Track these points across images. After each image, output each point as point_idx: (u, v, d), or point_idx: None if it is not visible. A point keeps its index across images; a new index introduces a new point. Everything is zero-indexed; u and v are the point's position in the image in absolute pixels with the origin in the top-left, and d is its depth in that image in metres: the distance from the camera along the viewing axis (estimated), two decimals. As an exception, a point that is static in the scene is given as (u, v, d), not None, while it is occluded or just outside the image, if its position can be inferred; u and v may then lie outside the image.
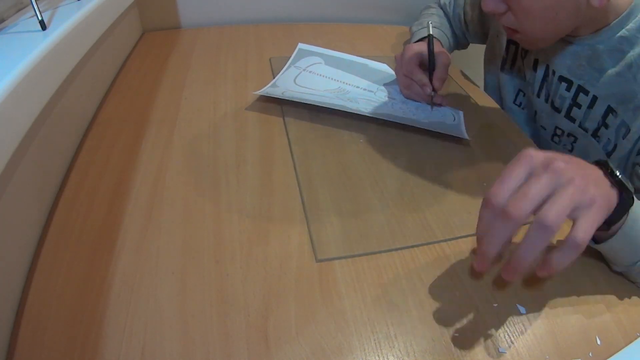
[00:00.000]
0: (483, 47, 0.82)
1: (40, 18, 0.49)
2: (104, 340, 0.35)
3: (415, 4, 0.95)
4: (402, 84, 0.71)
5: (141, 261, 0.42)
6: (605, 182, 0.36)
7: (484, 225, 0.35)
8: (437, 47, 0.69)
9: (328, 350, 0.36)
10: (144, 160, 0.55)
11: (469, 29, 0.82)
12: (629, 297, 0.42)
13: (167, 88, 0.71)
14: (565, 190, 0.33)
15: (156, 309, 0.38)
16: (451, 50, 0.83)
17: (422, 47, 0.69)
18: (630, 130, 0.52)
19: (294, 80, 0.73)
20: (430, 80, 0.66)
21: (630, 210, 0.37)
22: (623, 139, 0.54)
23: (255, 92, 0.67)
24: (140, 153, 0.56)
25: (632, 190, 0.36)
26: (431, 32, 0.69)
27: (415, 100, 0.70)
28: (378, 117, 0.63)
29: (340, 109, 0.63)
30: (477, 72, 0.85)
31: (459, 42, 0.86)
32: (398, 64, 0.71)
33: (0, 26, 0.51)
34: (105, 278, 0.40)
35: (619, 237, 0.38)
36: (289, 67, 0.77)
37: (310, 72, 0.76)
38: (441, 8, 0.86)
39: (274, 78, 0.73)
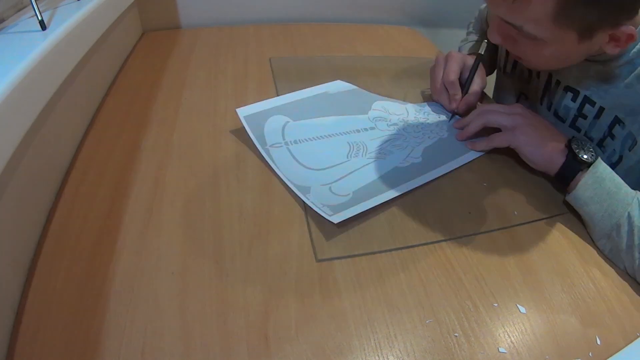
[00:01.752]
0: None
1: (40, 18, 0.49)
2: (104, 340, 0.35)
3: (416, 4, 0.95)
4: (435, 88, 0.69)
5: (141, 261, 0.42)
6: (555, 142, 0.52)
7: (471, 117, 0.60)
8: (479, 71, 0.67)
9: (328, 350, 0.36)
10: (144, 160, 0.55)
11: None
12: (629, 297, 0.42)
13: (167, 88, 0.71)
14: (507, 117, 0.55)
15: (156, 309, 0.38)
16: (490, 68, 0.80)
17: (468, 61, 0.68)
18: (637, 142, 0.52)
19: (298, 162, 0.54)
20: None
21: (591, 171, 0.48)
22: (629, 150, 0.53)
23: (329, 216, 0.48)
24: (140, 153, 0.56)
25: (587, 158, 0.48)
26: (482, 52, 0.67)
27: (438, 103, 0.69)
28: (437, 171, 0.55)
29: (410, 186, 0.52)
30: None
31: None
32: (438, 66, 0.69)
33: (0, 26, 0.51)
34: (105, 278, 0.40)
35: (578, 190, 0.48)
36: (264, 149, 0.56)
37: (297, 143, 0.57)
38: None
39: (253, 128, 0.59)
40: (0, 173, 0.36)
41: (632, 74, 0.51)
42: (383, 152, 0.57)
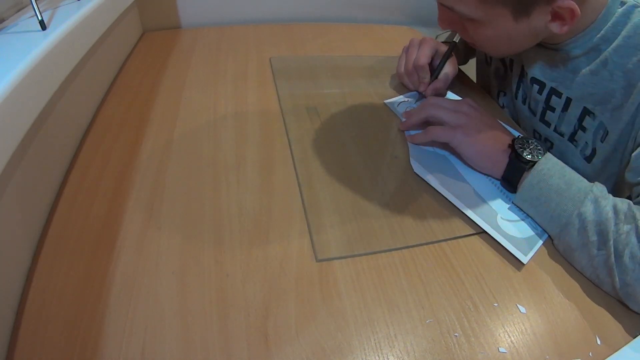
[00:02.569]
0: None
1: (40, 18, 0.49)
2: (104, 340, 0.35)
3: (415, 4, 0.95)
4: (404, 68, 0.70)
5: (141, 261, 0.42)
6: (498, 142, 0.51)
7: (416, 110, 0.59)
8: (451, 59, 0.68)
9: (328, 350, 0.36)
10: (144, 160, 0.55)
11: None
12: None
13: (167, 88, 0.71)
14: (450, 113, 0.54)
15: (156, 309, 0.38)
16: (463, 57, 0.82)
17: (441, 48, 0.68)
18: (608, 132, 0.50)
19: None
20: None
21: (536, 168, 0.46)
22: (602, 142, 0.51)
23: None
24: (140, 153, 0.56)
25: (532, 157, 0.46)
26: (456, 41, 0.68)
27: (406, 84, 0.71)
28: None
29: None
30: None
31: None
32: (412, 47, 0.69)
33: (0, 26, 0.51)
34: (105, 278, 0.40)
35: (522, 191, 0.47)
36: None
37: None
38: None
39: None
40: (1, 173, 0.36)
41: (597, 60, 0.49)
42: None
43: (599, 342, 0.38)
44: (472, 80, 0.82)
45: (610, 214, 0.40)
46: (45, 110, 0.46)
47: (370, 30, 1.01)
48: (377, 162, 0.56)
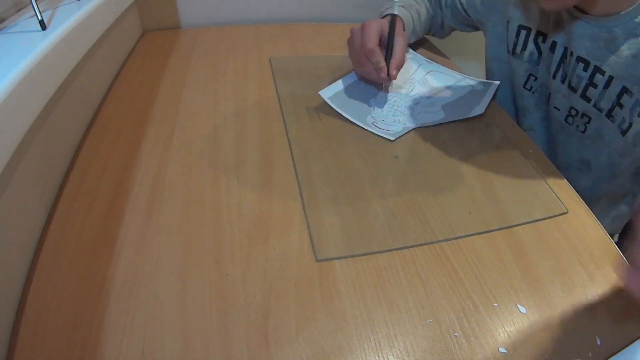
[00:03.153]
0: (473, 43, 0.81)
1: (40, 18, 0.49)
2: (104, 340, 0.35)
3: (415, 4, 0.95)
4: (356, 61, 0.68)
5: (141, 261, 0.42)
6: None
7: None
8: (397, 28, 0.67)
9: (328, 350, 0.36)
10: (144, 160, 0.55)
11: (468, 14, 0.81)
12: (629, 297, 0.42)
13: (167, 88, 0.71)
14: None
15: (156, 309, 0.38)
16: (421, 31, 0.82)
17: (384, 24, 0.66)
18: None
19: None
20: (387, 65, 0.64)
21: None
22: (638, 117, 0.55)
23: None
24: (140, 153, 0.56)
25: None
26: (396, 12, 0.67)
27: (366, 78, 0.70)
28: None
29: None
30: (474, 67, 0.85)
31: (438, 27, 0.86)
32: (355, 38, 0.67)
33: (0, 26, 0.51)
34: (105, 278, 0.40)
35: None
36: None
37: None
38: None
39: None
40: (1, 173, 0.36)
41: (637, 45, 0.53)
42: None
43: (599, 342, 0.38)
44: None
45: None
46: (45, 110, 0.46)
47: (370, 30, 1.01)
48: (377, 162, 0.57)
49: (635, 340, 0.38)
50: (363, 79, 0.71)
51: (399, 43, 0.65)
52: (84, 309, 0.38)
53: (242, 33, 0.94)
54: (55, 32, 0.50)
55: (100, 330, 0.36)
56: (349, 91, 0.69)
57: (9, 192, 0.40)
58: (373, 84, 0.70)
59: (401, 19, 0.74)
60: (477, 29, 0.84)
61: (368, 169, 0.55)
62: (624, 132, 0.58)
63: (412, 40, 0.84)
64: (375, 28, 0.65)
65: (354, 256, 0.44)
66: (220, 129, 0.62)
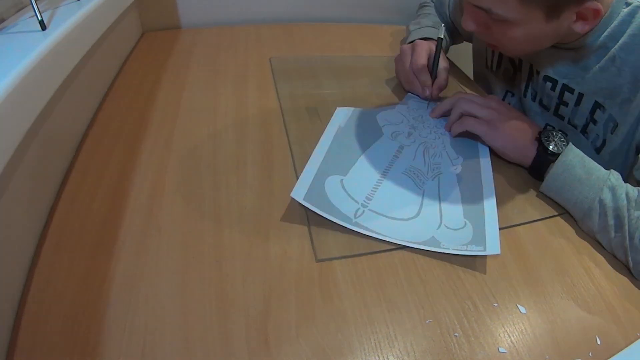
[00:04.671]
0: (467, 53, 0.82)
1: (40, 18, 0.49)
2: (104, 340, 0.35)
3: (416, 5, 0.95)
4: (405, 76, 0.70)
5: (141, 261, 0.42)
6: (527, 136, 0.54)
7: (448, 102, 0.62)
8: (441, 53, 0.69)
9: (328, 350, 0.36)
10: (144, 160, 0.55)
11: (457, 28, 0.83)
12: (629, 297, 0.42)
13: (167, 88, 0.71)
14: (482, 108, 0.56)
15: (156, 309, 0.38)
16: (447, 47, 0.83)
17: (432, 46, 0.69)
18: (618, 124, 0.54)
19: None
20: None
21: (560, 159, 0.49)
22: (612, 133, 0.55)
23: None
24: (140, 153, 0.56)
25: (553, 148, 0.50)
26: (442, 36, 0.68)
27: (411, 92, 0.71)
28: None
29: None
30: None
31: (454, 38, 0.87)
32: (406, 56, 0.70)
33: (0, 26, 0.51)
34: (105, 278, 0.40)
35: (548, 180, 0.50)
36: (345, 224, 0.47)
37: (368, 202, 0.50)
38: (433, 3, 0.87)
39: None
40: (1, 173, 0.36)
41: (605, 57, 0.53)
42: (433, 166, 0.56)
43: (599, 342, 0.38)
44: (470, 79, 0.82)
45: (625, 201, 0.45)
46: (45, 110, 0.46)
47: (370, 30, 1.01)
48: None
49: (635, 340, 0.38)
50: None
51: (443, 66, 0.68)
52: (84, 309, 0.38)
53: (242, 33, 0.94)
54: (55, 32, 0.50)
55: (100, 330, 0.36)
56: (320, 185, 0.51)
57: (9, 192, 0.40)
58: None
59: (446, 41, 0.76)
60: (466, 39, 0.85)
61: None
62: (598, 150, 0.58)
63: None
64: (426, 49, 0.68)
65: (353, 256, 0.44)
66: (220, 129, 0.62)
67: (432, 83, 0.67)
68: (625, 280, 0.44)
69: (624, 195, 0.45)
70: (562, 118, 0.62)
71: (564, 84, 0.59)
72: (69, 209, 0.48)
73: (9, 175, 0.40)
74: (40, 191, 0.47)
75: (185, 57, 0.82)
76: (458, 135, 0.60)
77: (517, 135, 0.54)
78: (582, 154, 0.50)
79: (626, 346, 0.38)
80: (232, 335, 0.36)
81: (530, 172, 0.54)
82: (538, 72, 0.63)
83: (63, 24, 0.52)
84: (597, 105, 0.56)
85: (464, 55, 0.89)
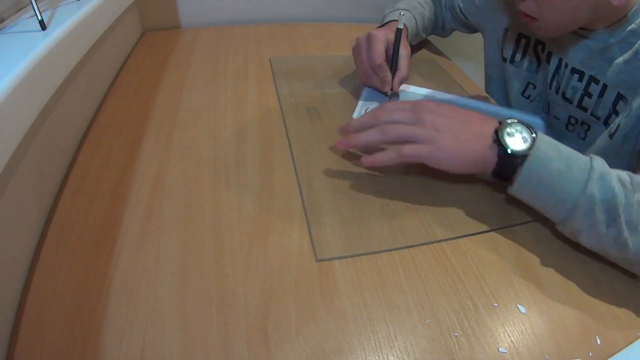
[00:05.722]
0: (474, 44, 0.82)
1: (40, 18, 0.49)
2: (104, 340, 0.35)
3: (415, 4, 0.95)
4: (363, 72, 0.69)
5: (141, 261, 0.42)
6: (481, 140, 0.45)
7: (365, 123, 0.51)
8: (403, 40, 0.68)
9: (328, 350, 0.36)
10: (144, 160, 0.55)
11: (466, 17, 0.82)
12: (629, 297, 0.42)
13: (167, 88, 0.71)
14: (416, 127, 0.47)
15: (156, 309, 0.38)
16: (424, 33, 0.83)
17: (389, 35, 0.67)
18: (632, 108, 0.54)
19: None
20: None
21: (534, 154, 0.42)
22: (625, 118, 0.55)
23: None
24: (140, 153, 0.56)
25: (521, 150, 0.42)
26: (401, 27, 0.67)
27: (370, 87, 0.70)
28: None
29: None
30: (475, 69, 0.85)
31: (440, 28, 0.87)
32: (362, 49, 0.68)
33: (0, 26, 0.51)
34: (105, 278, 0.40)
35: (520, 181, 0.43)
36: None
37: None
38: None
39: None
40: (1, 173, 0.36)
41: (630, 51, 0.54)
42: None
43: (599, 342, 0.38)
44: (473, 82, 0.82)
45: (618, 188, 0.39)
46: (45, 110, 0.46)
47: (370, 30, 1.01)
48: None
49: (635, 340, 0.38)
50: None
51: (404, 57, 0.67)
52: (84, 309, 0.38)
53: (242, 33, 0.94)
54: (55, 32, 0.50)
55: (100, 330, 0.36)
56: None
57: (9, 192, 0.40)
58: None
59: (406, 29, 0.75)
60: (475, 31, 0.85)
61: (368, 168, 0.55)
62: (611, 135, 0.58)
63: (415, 43, 0.84)
64: (382, 41, 0.66)
65: (354, 256, 0.44)
66: (220, 128, 0.62)
67: (393, 76, 0.66)
68: (625, 280, 0.44)
69: (614, 183, 0.39)
70: (586, 110, 0.62)
71: (591, 76, 0.60)
72: (69, 209, 0.48)
73: (9, 175, 0.40)
74: (40, 191, 0.47)
75: (185, 57, 0.82)
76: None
77: (469, 144, 0.45)
78: (555, 141, 0.43)
79: (626, 346, 0.38)
80: (232, 335, 0.36)
81: (494, 177, 0.46)
82: (567, 65, 0.63)
83: (63, 24, 0.52)
84: (619, 97, 0.57)
85: (465, 53, 0.89)
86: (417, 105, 0.49)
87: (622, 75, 0.56)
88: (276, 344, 0.36)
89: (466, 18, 0.82)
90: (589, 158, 0.42)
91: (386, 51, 0.67)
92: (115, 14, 0.73)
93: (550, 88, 0.68)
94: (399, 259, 0.44)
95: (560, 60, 0.65)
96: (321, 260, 0.43)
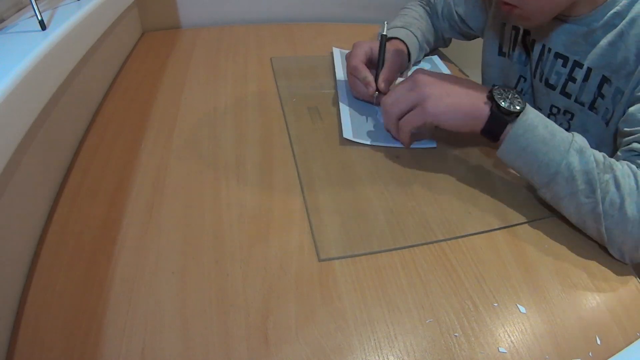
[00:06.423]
0: (477, 46, 0.82)
1: (40, 18, 0.49)
2: (104, 340, 0.35)
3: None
4: (349, 83, 0.69)
5: (141, 261, 0.42)
6: (474, 96, 0.49)
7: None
8: (393, 47, 0.68)
9: (328, 350, 0.36)
10: (144, 160, 0.55)
11: (466, 24, 0.82)
12: (629, 297, 0.42)
13: (167, 88, 0.71)
14: (411, 93, 0.52)
15: (156, 309, 0.38)
16: (427, 46, 0.82)
17: (374, 45, 0.67)
18: (623, 94, 0.54)
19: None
20: (376, 80, 0.64)
21: (522, 119, 0.46)
22: (620, 104, 0.55)
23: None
24: (140, 153, 0.56)
25: (513, 108, 0.46)
26: (384, 33, 0.67)
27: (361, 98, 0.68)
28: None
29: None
30: (474, 70, 0.85)
31: (440, 39, 0.86)
32: (346, 62, 0.68)
33: (0, 26, 0.51)
34: (105, 278, 0.40)
35: (508, 142, 0.47)
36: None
37: None
38: (424, 7, 0.86)
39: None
40: (1, 172, 0.36)
41: (613, 32, 0.54)
42: None
43: (599, 342, 0.38)
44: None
45: (594, 164, 0.43)
46: (45, 110, 0.46)
47: (370, 30, 1.01)
48: (378, 161, 0.57)
49: (635, 340, 0.38)
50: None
51: (392, 58, 0.66)
52: (84, 309, 0.38)
53: (242, 33, 0.94)
54: (55, 32, 0.50)
55: (100, 330, 0.36)
56: (357, 117, 0.65)
57: (10, 192, 0.40)
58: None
59: (402, 40, 0.75)
60: (471, 37, 0.85)
61: (369, 168, 0.55)
62: (607, 122, 0.58)
63: (420, 58, 0.83)
64: (364, 48, 0.66)
65: (354, 256, 0.44)
66: (221, 128, 0.62)
67: (379, 75, 0.64)
68: (625, 280, 0.44)
69: (592, 158, 0.43)
70: (569, 96, 0.62)
71: (575, 60, 0.59)
72: (69, 209, 0.48)
73: (10, 175, 0.40)
74: (41, 191, 0.47)
75: (185, 57, 0.82)
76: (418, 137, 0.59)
77: (463, 100, 0.49)
78: (542, 115, 0.47)
79: (626, 346, 0.38)
80: (232, 335, 0.36)
81: (483, 133, 0.49)
82: (550, 50, 0.63)
83: (63, 24, 0.52)
84: (604, 80, 0.56)
85: (465, 54, 0.89)
86: (412, 79, 0.53)
87: (606, 57, 0.55)
88: (276, 344, 0.36)
89: (466, 24, 0.82)
90: (571, 133, 0.46)
91: (371, 61, 0.66)
92: (115, 14, 0.73)
93: (534, 77, 0.67)
94: (399, 259, 0.44)
95: (544, 46, 0.64)
96: (324, 260, 0.43)
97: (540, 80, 0.66)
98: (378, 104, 0.64)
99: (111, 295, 0.39)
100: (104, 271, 0.41)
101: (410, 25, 0.79)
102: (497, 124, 0.47)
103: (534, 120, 0.46)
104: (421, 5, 0.86)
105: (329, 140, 0.60)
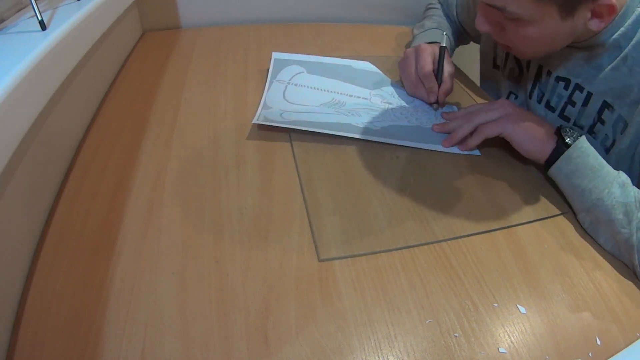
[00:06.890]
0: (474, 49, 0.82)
1: (40, 18, 0.49)
2: (104, 340, 0.35)
3: (415, 4, 0.95)
4: (410, 82, 0.70)
5: (141, 261, 0.42)
6: (541, 129, 0.54)
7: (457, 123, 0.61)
8: (446, 57, 0.68)
9: (328, 350, 0.36)
10: (144, 160, 0.55)
11: (465, 29, 0.82)
12: (629, 297, 0.42)
13: (167, 88, 0.71)
14: (493, 111, 0.57)
15: (156, 309, 0.38)
16: (452, 49, 0.83)
17: (435, 51, 0.69)
18: (628, 124, 0.53)
19: (284, 96, 0.68)
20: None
21: (576, 145, 0.49)
22: (621, 134, 0.54)
23: (255, 122, 0.61)
24: (140, 153, 0.56)
25: (571, 141, 0.50)
26: (444, 45, 0.68)
27: (417, 98, 0.70)
28: (387, 139, 0.60)
29: (351, 134, 0.59)
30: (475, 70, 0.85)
31: (460, 40, 0.87)
32: (410, 61, 0.69)
33: (0, 26, 0.51)
34: (105, 278, 0.40)
35: (564, 160, 0.50)
36: (271, 82, 0.71)
37: (295, 85, 0.71)
38: (441, 5, 0.86)
39: (264, 90, 0.69)
40: (1, 173, 0.36)
41: (618, 57, 0.53)
42: (353, 112, 0.65)
43: (599, 342, 0.38)
44: (474, 84, 0.82)
45: (633, 199, 0.45)
46: (45, 110, 0.46)
47: (370, 30, 1.01)
48: (377, 162, 0.57)
49: (635, 340, 0.38)
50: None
51: (447, 71, 0.67)
52: (84, 309, 0.38)
53: (242, 33, 0.94)
54: (55, 32, 0.50)
55: (100, 330, 0.36)
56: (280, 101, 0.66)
57: (9, 192, 0.40)
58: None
59: (448, 48, 0.75)
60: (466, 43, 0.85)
61: (369, 168, 0.55)
62: (607, 150, 0.57)
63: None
64: (430, 53, 0.68)
65: (354, 256, 0.44)
66: (220, 128, 0.62)
67: (438, 89, 0.67)
68: (625, 281, 0.44)
69: (632, 194, 0.45)
70: (568, 119, 0.62)
71: (576, 84, 0.59)
72: (69, 209, 0.48)
73: (9, 175, 0.40)
74: (40, 191, 0.47)
75: (185, 57, 0.82)
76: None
77: (535, 127, 0.54)
78: (593, 147, 0.50)
79: (626, 346, 0.38)
80: (232, 335, 0.36)
81: (547, 165, 0.53)
82: (549, 73, 0.62)
83: (63, 24, 0.52)
84: (605, 105, 0.56)
85: (468, 56, 0.89)
86: (500, 101, 0.59)
87: (609, 82, 0.54)
88: (276, 344, 0.36)
89: (465, 30, 0.82)
90: (618, 171, 0.48)
91: (432, 65, 0.68)
92: (115, 14, 0.73)
93: (531, 97, 0.67)
94: (399, 259, 0.44)
95: (541, 68, 0.64)
96: (324, 260, 0.43)
97: (539, 102, 0.66)
98: (435, 109, 0.69)
99: (111, 295, 0.39)
100: (104, 271, 0.41)
101: (442, 26, 0.80)
102: (559, 156, 0.50)
103: (587, 149, 0.49)
104: (440, 7, 0.86)
105: (328, 140, 0.60)
